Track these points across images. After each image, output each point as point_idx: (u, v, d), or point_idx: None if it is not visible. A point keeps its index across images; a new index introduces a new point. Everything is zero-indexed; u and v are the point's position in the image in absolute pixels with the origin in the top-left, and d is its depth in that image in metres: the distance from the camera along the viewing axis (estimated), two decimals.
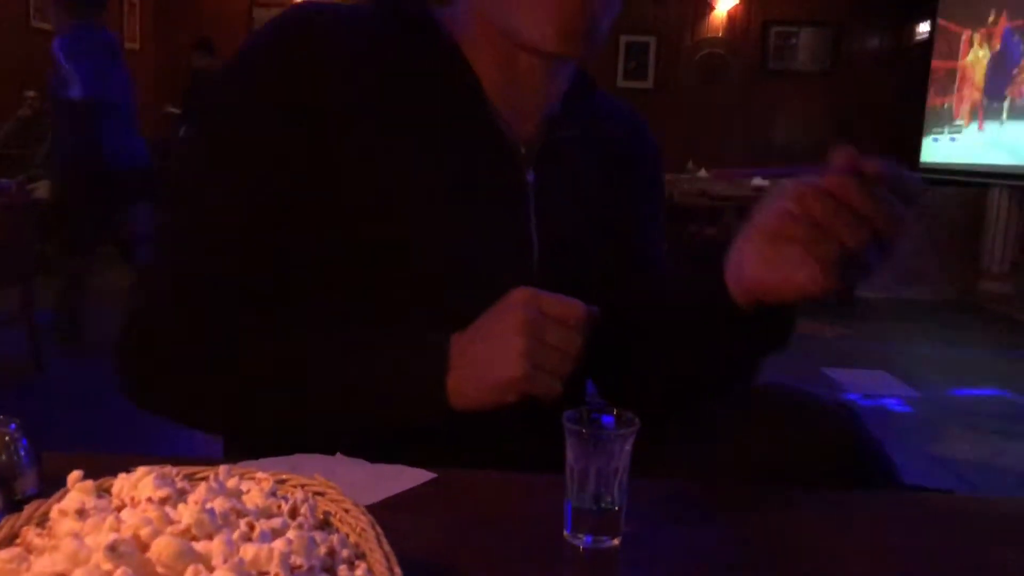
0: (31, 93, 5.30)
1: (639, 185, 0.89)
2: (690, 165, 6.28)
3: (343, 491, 0.46)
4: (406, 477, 0.64)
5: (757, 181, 5.69)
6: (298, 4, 0.76)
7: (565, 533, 0.56)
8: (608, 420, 0.57)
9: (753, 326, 0.70)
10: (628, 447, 0.56)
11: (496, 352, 0.65)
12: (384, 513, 0.50)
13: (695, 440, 0.72)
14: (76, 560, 0.36)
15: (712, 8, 6.97)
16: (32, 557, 0.38)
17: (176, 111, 6.10)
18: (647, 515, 0.59)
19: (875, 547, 0.59)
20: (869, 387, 3.56)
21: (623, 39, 6.95)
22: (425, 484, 0.63)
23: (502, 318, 0.66)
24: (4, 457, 0.55)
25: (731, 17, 7.01)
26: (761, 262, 0.66)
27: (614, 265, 0.83)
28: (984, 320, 5.15)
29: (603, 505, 0.55)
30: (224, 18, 7.51)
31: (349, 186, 0.71)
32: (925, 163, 6.46)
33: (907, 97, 6.68)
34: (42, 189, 4.98)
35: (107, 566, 0.36)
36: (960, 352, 4.36)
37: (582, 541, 0.55)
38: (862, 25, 6.97)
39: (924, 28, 6.78)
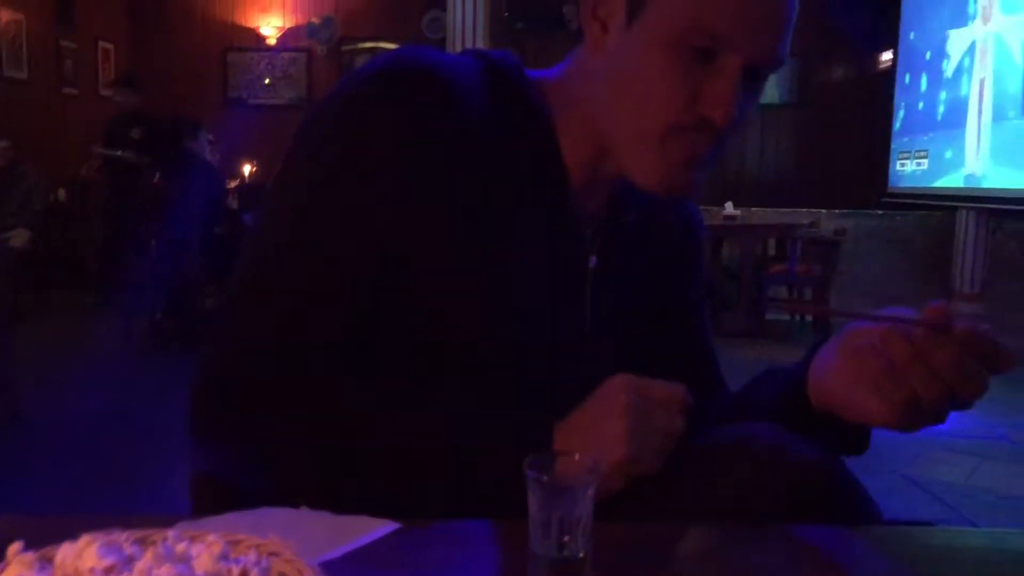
0: (3, 143, 5.28)
1: (690, 270, 0.91)
2: None
3: (304, 545, 0.46)
4: (369, 528, 0.63)
5: (728, 210, 5.76)
6: (409, 56, 0.73)
7: None
8: (570, 467, 0.56)
9: (821, 429, 0.72)
10: (591, 493, 0.55)
11: (601, 438, 0.65)
12: (344, 569, 0.49)
13: (670, 485, 0.70)
14: None
15: None
16: None
17: (105, 151, 5.85)
18: (615, 562, 0.59)
19: None
20: None
21: None
22: (389, 535, 0.62)
23: (604, 404, 0.66)
24: None
25: None
26: (840, 378, 0.68)
27: (663, 351, 0.84)
28: None
29: (567, 553, 0.55)
30: (199, 63, 7.56)
31: (430, 250, 0.71)
32: (893, 188, 6.58)
33: (873, 124, 6.82)
34: (17, 238, 4.93)
35: None
36: None
37: None
38: (827, 55, 7.13)
39: (887, 56, 6.96)
